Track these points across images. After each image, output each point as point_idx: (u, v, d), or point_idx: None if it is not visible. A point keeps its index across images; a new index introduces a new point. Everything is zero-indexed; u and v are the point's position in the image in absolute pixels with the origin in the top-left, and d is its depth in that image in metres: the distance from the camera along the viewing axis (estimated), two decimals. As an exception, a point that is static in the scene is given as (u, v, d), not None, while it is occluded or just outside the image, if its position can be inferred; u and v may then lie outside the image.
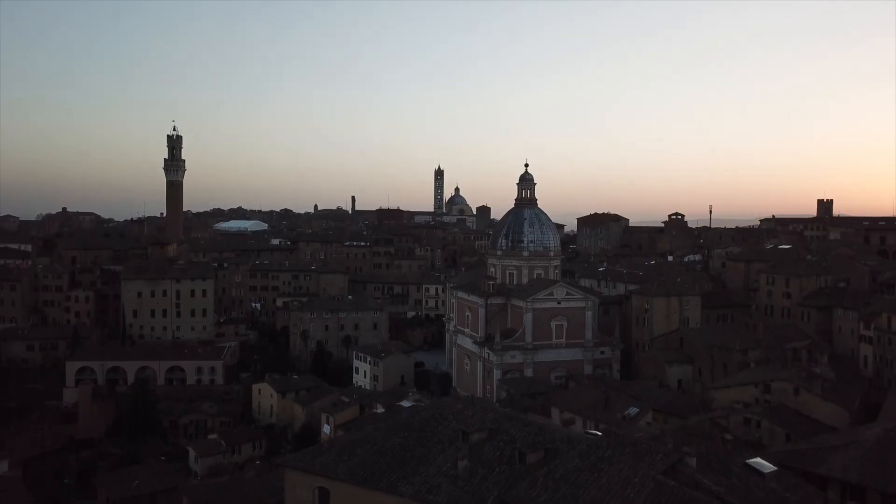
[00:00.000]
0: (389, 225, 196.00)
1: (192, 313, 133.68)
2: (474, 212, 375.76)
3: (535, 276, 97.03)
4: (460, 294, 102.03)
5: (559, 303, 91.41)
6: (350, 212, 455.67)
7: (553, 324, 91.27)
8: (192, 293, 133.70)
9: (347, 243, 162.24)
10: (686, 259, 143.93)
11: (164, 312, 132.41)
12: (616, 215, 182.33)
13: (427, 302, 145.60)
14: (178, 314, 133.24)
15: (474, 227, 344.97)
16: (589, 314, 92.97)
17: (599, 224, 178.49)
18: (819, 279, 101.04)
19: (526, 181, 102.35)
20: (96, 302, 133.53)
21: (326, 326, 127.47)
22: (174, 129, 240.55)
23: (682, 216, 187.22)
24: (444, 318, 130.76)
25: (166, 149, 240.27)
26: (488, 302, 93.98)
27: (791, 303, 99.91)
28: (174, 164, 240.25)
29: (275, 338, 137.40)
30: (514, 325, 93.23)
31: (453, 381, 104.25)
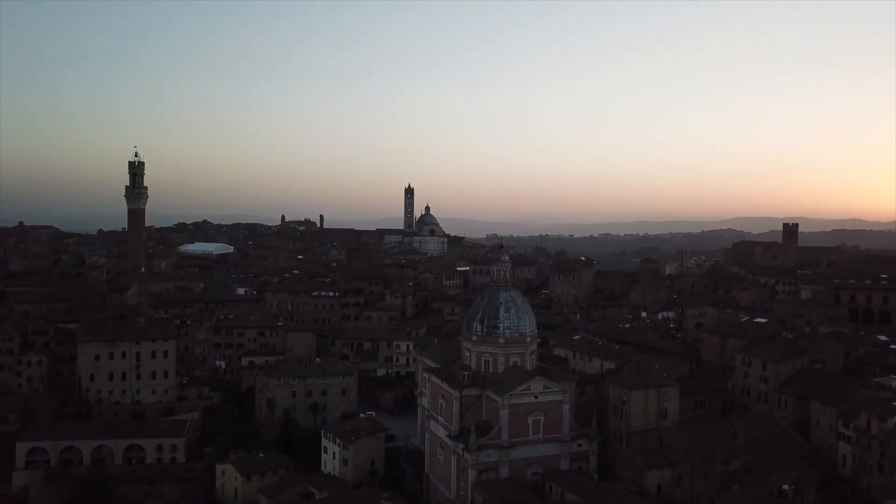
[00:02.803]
0: (358, 267, 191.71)
1: (153, 375, 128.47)
2: (445, 231, 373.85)
3: (511, 364, 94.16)
4: (434, 379, 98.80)
5: (536, 397, 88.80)
6: (318, 225, 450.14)
7: (530, 419, 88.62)
8: (153, 354, 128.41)
9: (315, 293, 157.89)
10: (660, 317, 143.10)
11: (123, 375, 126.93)
12: (588, 261, 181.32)
13: (398, 359, 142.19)
14: (139, 377, 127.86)
15: (445, 250, 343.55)
16: (566, 407, 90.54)
17: (571, 271, 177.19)
18: (795, 362, 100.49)
19: (502, 262, 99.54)
20: (50, 365, 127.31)
21: (294, 392, 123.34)
22: (136, 156, 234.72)
23: (652, 258, 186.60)
24: (415, 380, 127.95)
25: (128, 175, 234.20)
26: (463, 394, 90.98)
27: (768, 388, 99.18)
28: (136, 191, 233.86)
29: (240, 400, 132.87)
30: (490, 417, 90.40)
31: (426, 466, 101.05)
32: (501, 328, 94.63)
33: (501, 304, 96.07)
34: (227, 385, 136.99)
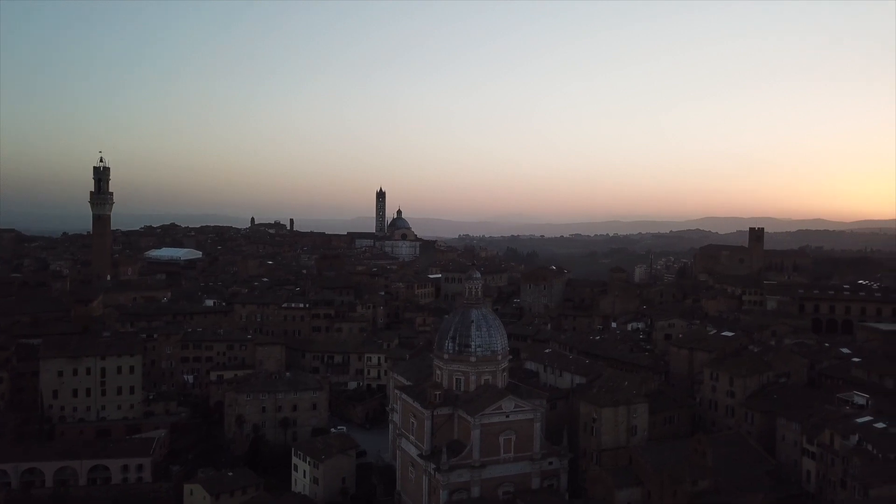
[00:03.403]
0: (329, 276, 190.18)
1: (119, 391, 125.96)
2: (417, 234, 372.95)
3: (482, 382, 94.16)
4: (405, 397, 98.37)
5: (508, 416, 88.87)
6: (288, 227, 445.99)
7: (502, 438, 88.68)
8: (119, 370, 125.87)
9: (285, 305, 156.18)
10: (630, 327, 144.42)
11: (88, 392, 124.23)
12: (559, 270, 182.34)
13: (369, 372, 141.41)
14: (103, 393, 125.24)
15: (417, 254, 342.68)
16: (537, 425, 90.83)
17: (542, 280, 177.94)
18: (762, 376, 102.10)
19: (474, 280, 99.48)
20: (12, 381, 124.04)
21: (263, 408, 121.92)
22: (101, 161, 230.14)
23: (621, 268, 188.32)
24: (387, 392, 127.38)
25: (92, 181, 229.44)
26: (434, 413, 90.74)
27: (735, 402, 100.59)
28: (101, 197, 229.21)
29: (208, 415, 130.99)
30: (461, 436, 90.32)
31: (397, 484, 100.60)
32: (473, 346, 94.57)
33: (473, 321, 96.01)
34: (195, 400, 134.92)
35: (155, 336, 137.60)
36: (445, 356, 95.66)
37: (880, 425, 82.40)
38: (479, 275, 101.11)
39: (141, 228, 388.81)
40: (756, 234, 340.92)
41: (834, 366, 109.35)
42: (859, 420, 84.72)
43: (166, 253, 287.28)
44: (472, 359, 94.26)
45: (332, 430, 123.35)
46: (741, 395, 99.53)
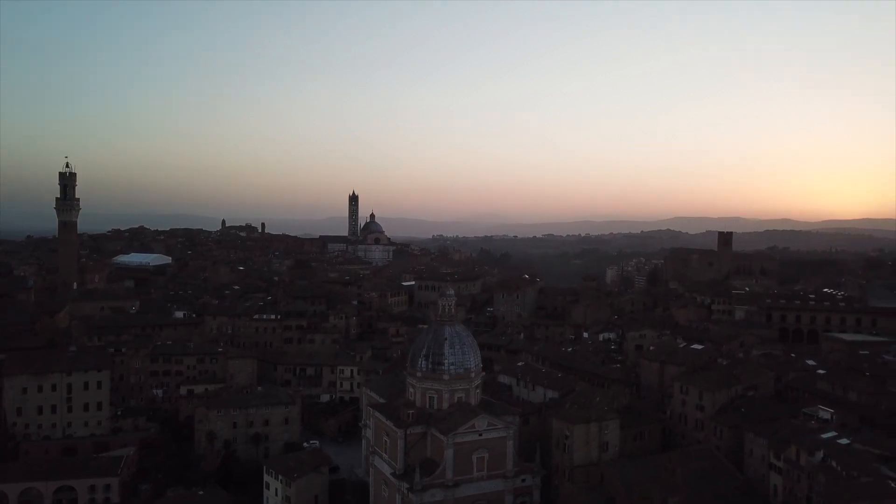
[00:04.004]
0: (301, 285, 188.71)
1: (86, 407, 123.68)
2: (390, 237, 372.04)
3: (456, 400, 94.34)
4: (378, 415, 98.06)
5: (481, 434, 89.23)
6: (260, 230, 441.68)
7: (475, 457, 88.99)
8: (86, 385, 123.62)
9: (257, 316, 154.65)
10: (601, 338, 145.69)
11: (54, 408, 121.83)
12: (532, 279, 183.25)
13: (342, 384, 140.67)
14: (70, 409, 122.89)
15: (390, 259, 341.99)
16: (510, 443, 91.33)
17: (515, 289, 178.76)
18: (730, 390, 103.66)
19: (447, 297, 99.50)
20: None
21: (234, 423, 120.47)
22: (67, 166, 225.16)
23: (593, 276, 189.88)
24: (360, 405, 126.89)
25: (58, 187, 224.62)
26: (407, 432, 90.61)
27: (704, 416, 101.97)
28: (67, 203, 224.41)
29: (178, 430, 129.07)
30: (434, 455, 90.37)
31: (370, 501, 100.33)
32: (446, 364, 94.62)
33: (446, 339, 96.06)
34: (165, 415, 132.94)
35: (123, 350, 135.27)
36: (419, 374, 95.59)
37: (844, 441, 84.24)
38: (452, 292, 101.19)
39: (108, 232, 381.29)
40: (725, 238, 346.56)
41: (800, 377, 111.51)
42: (824, 436, 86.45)
43: (135, 258, 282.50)
44: (446, 377, 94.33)
45: (305, 444, 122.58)
46: (710, 409, 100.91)
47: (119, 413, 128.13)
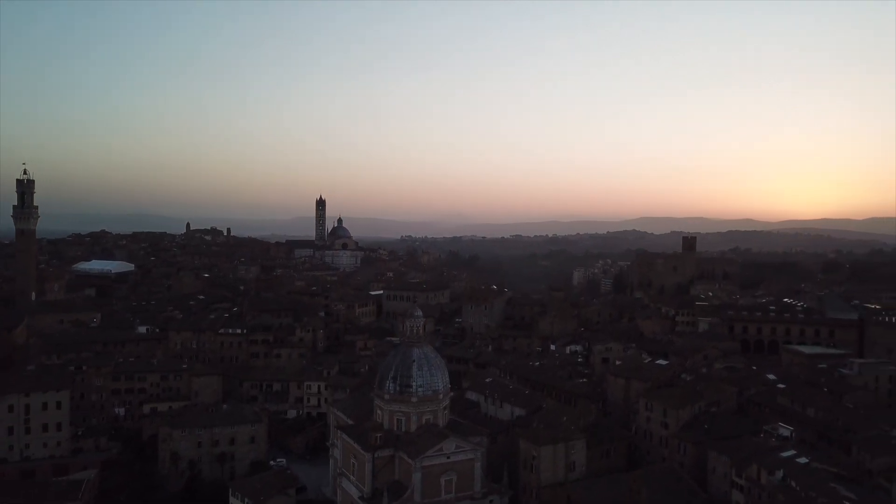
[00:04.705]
0: (267, 297, 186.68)
1: (45, 428, 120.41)
2: (358, 244, 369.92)
3: (424, 422, 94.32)
4: (346, 437, 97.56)
5: (449, 457, 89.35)
6: (225, 233, 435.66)
7: (443, 479, 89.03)
8: (45, 406, 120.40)
9: (222, 331, 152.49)
10: (568, 350, 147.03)
11: (11, 430, 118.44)
12: (501, 289, 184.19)
13: (309, 399, 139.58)
14: (28, 431, 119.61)
15: (358, 264, 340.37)
16: (478, 465, 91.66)
17: (484, 301, 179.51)
18: (694, 406, 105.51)
19: (415, 318, 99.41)
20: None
21: (199, 443, 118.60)
22: (25, 173, 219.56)
23: (559, 287, 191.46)
24: (327, 421, 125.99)
25: (15, 195, 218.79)
26: (375, 456, 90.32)
27: (669, 433, 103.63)
28: (25, 211, 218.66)
29: (141, 450, 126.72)
30: (403, 478, 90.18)
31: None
32: (414, 387, 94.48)
33: (414, 361, 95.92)
34: (128, 434, 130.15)
35: (84, 368, 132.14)
36: (386, 396, 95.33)
37: (803, 460, 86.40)
38: (420, 313, 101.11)
39: (69, 237, 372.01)
40: (689, 244, 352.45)
41: (761, 392, 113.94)
42: (784, 454, 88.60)
43: (96, 266, 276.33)
44: (414, 399, 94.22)
45: (272, 462, 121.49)
46: (674, 426, 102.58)
47: (79, 433, 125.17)
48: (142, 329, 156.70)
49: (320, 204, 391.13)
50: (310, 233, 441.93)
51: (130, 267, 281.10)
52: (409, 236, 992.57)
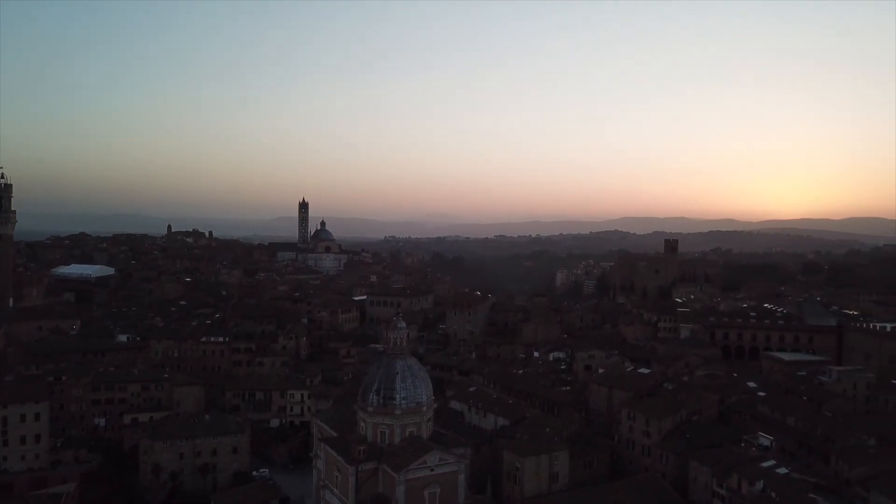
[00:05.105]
0: (250, 304, 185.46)
1: (23, 440, 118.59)
2: (341, 247, 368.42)
3: (407, 434, 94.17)
4: (329, 450, 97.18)
5: (432, 470, 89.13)
6: (207, 235, 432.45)
7: (426, 492, 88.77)
8: (23, 418, 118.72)
9: (204, 339, 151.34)
10: (551, 357, 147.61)
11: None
12: (484, 295, 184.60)
13: (292, 408, 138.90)
14: (5, 443, 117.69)
15: (341, 268, 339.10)
16: (461, 477, 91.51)
17: (468, 307, 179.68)
18: (675, 416, 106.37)
19: (399, 330, 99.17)
20: None
21: (181, 454, 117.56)
22: (2, 177, 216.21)
23: (542, 293, 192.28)
24: (310, 430, 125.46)
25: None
26: (359, 469, 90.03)
27: (651, 442, 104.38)
28: (3, 215, 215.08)
29: (122, 461, 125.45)
30: (386, 491, 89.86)
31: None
32: (398, 399, 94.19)
33: (398, 373, 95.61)
34: (108, 445, 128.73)
35: (63, 378, 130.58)
36: (370, 409, 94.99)
37: (783, 471, 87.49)
38: (403, 325, 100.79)
39: (47, 240, 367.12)
40: (671, 246, 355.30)
41: (741, 400, 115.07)
42: (764, 464, 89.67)
43: (76, 270, 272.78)
44: (397, 411, 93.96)
45: (255, 473, 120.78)
46: (656, 435, 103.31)
47: (58, 445, 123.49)
48: (122, 338, 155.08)
49: (303, 206, 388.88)
50: (292, 233, 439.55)
51: (111, 271, 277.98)
52: (393, 237, 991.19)
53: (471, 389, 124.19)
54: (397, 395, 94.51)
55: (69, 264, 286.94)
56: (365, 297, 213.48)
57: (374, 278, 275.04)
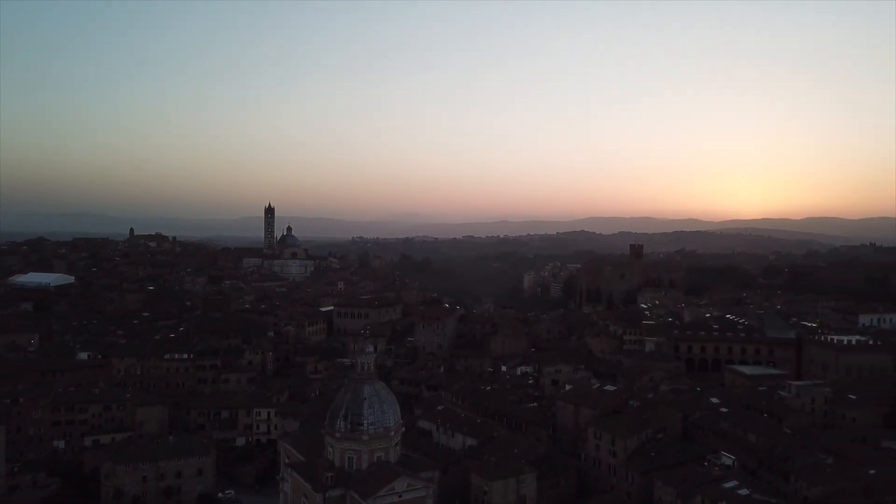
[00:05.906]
0: (215, 318, 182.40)
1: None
2: (307, 252, 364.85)
3: (375, 459, 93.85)
4: (296, 475, 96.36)
5: (400, 496, 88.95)
6: (170, 240, 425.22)
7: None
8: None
9: (168, 356, 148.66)
10: (519, 371, 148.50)
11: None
12: (454, 308, 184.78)
13: (258, 426, 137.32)
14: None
15: (308, 274, 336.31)
16: (429, 501, 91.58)
17: (436, 320, 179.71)
18: (641, 434, 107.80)
19: (366, 354, 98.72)
20: None
21: (144, 478, 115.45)
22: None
23: (510, 305, 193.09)
24: (277, 448, 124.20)
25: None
26: (326, 496, 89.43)
27: (617, 461, 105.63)
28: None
29: (83, 485, 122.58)
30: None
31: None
32: (365, 425, 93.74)
33: (365, 398, 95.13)
34: (68, 468, 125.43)
35: (21, 400, 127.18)
36: (337, 434, 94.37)
37: (744, 491, 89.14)
38: (371, 349, 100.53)
39: (4, 246, 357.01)
40: (636, 251, 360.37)
41: (705, 416, 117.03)
42: (726, 485, 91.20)
43: (34, 279, 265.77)
44: (365, 437, 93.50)
45: (220, 495, 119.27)
46: (622, 454, 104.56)
47: (16, 469, 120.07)
48: (83, 355, 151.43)
49: (269, 212, 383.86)
50: (257, 233, 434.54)
51: (70, 279, 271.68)
52: (361, 237, 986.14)
53: (439, 408, 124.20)
54: (365, 421, 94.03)
55: (27, 272, 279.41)
56: (332, 307, 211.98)
57: (341, 285, 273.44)
